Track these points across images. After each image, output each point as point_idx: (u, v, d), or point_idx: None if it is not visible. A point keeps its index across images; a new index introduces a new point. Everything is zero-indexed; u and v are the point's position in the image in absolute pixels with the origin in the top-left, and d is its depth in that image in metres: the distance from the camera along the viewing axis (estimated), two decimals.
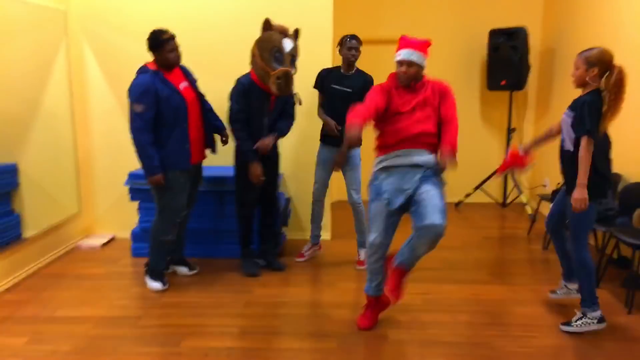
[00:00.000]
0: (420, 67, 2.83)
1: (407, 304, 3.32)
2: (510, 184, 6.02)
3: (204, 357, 2.68)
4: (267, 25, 3.49)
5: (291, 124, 3.82)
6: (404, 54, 2.80)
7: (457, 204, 6.09)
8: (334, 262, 4.11)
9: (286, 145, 4.41)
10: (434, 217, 2.58)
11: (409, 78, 2.81)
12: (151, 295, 3.45)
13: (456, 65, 6.02)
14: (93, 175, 4.63)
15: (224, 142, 3.74)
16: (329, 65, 4.13)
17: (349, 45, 3.78)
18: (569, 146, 2.92)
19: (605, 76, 2.78)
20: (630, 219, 3.76)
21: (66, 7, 4.27)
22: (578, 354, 2.75)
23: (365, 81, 3.81)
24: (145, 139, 3.22)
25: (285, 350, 2.75)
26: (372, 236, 2.88)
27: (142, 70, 3.32)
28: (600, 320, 2.95)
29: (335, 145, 3.85)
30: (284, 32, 3.50)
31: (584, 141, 2.76)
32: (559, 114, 5.25)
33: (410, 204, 2.75)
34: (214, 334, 2.93)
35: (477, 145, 6.14)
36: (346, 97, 3.71)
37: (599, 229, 3.72)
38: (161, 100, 3.22)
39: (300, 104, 3.82)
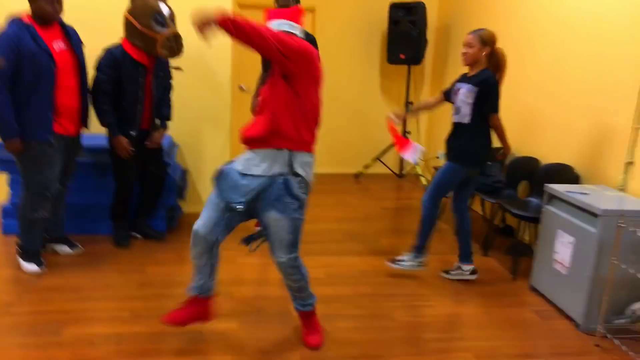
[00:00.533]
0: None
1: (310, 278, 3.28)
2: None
3: (90, 345, 2.43)
4: None
5: (169, 100, 3.66)
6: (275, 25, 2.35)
7: (357, 176, 6.17)
8: (232, 237, 3.95)
9: (184, 116, 4.12)
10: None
11: None
12: (25, 278, 3.07)
13: (357, 38, 6.01)
14: None
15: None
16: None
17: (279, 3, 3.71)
18: (465, 118, 3.11)
19: (494, 56, 3.06)
20: (516, 191, 4.02)
21: None
22: (470, 320, 2.89)
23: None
24: (2, 98, 2.80)
25: (183, 334, 2.58)
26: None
27: (12, 21, 2.86)
28: (473, 272, 3.34)
29: None
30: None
31: (495, 118, 3.07)
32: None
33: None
34: (101, 320, 2.66)
35: (376, 118, 6.22)
36: None
37: (487, 200, 3.93)
38: (23, 57, 2.79)
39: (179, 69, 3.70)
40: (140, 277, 3.17)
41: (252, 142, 2.29)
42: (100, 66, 3.28)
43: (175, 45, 3.28)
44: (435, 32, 6.05)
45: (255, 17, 5.68)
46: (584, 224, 2.85)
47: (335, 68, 5.93)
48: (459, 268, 3.37)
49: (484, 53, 3.02)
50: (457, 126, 3.20)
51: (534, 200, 3.68)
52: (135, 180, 3.59)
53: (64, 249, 3.44)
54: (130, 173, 3.51)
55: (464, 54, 3.07)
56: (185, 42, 3.42)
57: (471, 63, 3.08)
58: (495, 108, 3.06)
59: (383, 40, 6.03)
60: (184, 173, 4.23)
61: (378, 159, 6.07)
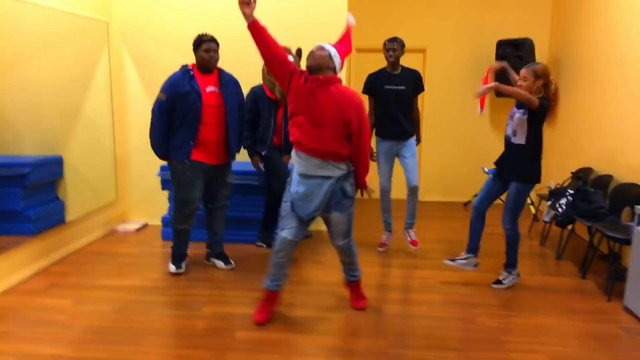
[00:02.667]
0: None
1: (404, 285, 3.72)
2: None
3: (222, 319, 3.12)
4: None
5: None
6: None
7: (466, 204, 6.42)
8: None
9: None
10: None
11: None
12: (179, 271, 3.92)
13: (467, 74, 6.37)
14: (129, 168, 5.16)
15: None
16: (345, 76, 4.62)
17: (387, 47, 4.23)
18: (521, 140, 3.46)
19: (547, 87, 3.40)
20: (619, 217, 4.05)
21: (107, 18, 4.82)
22: (552, 330, 3.08)
23: (414, 77, 4.28)
24: (156, 122, 3.61)
25: (293, 318, 3.16)
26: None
27: (181, 67, 3.70)
28: (518, 275, 3.67)
29: (394, 139, 4.29)
30: (286, 50, 4.02)
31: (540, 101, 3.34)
32: (565, 120, 5.61)
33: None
34: (232, 303, 3.37)
35: (485, 149, 6.45)
36: (399, 95, 4.21)
37: (584, 224, 4.02)
38: (178, 95, 3.53)
39: None
40: (262, 275, 3.85)
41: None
42: (246, 101, 4.11)
43: (281, 91, 4.07)
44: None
45: (371, 61, 6.39)
46: None
47: (446, 103, 6.36)
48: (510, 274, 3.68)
49: (538, 85, 3.36)
50: (513, 147, 3.50)
51: (633, 224, 3.71)
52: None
53: (220, 264, 4.02)
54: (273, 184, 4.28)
55: (519, 86, 3.42)
56: None
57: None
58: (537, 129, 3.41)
59: (492, 76, 6.31)
60: None
61: None
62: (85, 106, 4.51)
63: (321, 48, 2.90)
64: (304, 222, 2.99)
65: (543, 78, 3.37)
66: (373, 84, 4.32)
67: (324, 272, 3.97)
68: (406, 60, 5.21)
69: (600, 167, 4.72)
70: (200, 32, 3.69)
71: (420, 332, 3.01)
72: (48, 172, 4.06)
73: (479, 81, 6.39)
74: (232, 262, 4.04)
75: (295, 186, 2.96)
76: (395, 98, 4.23)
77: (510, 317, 3.26)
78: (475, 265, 3.86)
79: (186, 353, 2.73)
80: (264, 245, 4.47)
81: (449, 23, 6.31)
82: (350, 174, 3.02)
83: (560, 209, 4.27)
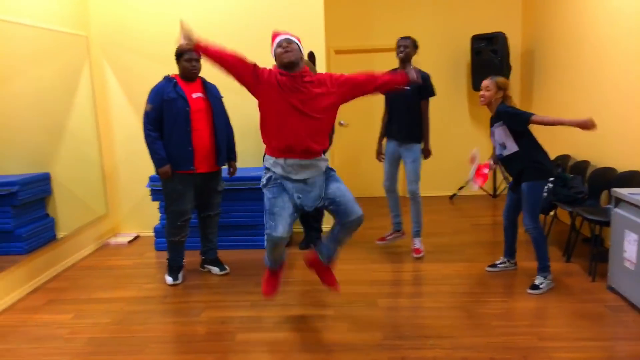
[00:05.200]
0: None
1: (398, 279, 3.82)
2: (500, 177, 6.49)
3: (221, 324, 3.19)
4: None
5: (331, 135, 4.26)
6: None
7: (451, 197, 6.56)
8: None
9: None
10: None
11: None
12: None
13: (444, 69, 6.52)
14: (118, 181, 5.19)
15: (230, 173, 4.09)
16: None
17: (398, 44, 4.23)
18: (512, 148, 3.54)
19: (506, 99, 3.57)
20: (598, 201, 4.21)
21: (87, 33, 4.85)
22: (540, 312, 3.21)
23: (422, 78, 4.13)
24: (150, 134, 3.62)
25: (290, 317, 3.25)
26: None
27: (164, 77, 3.75)
28: (552, 281, 3.62)
29: (397, 140, 4.29)
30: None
31: (535, 119, 3.39)
32: (541, 110, 5.78)
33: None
34: (229, 307, 3.44)
35: (466, 142, 6.61)
36: (403, 95, 4.13)
37: (565, 209, 4.17)
38: (165, 102, 3.60)
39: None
40: (258, 279, 3.93)
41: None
42: None
43: None
44: (519, 57, 6.36)
45: (348, 62, 6.49)
46: None
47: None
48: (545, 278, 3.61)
49: (499, 96, 3.55)
50: (511, 158, 3.58)
51: (611, 207, 3.86)
52: None
53: (215, 269, 4.08)
54: None
55: (482, 96, 3.57)
56: None
57: (486, 103, 3.59)
58: (525, 118, 3.42)
59: (468, 69, 6.48)
60: None
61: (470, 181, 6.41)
62: (70, 121, 4.54)
63: (290, 41, 2.86)
64: (293, 218, 2.98)
65: (504, 90, 3.55)
66: None
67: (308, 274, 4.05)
68: (383, 59, 5.33)
69: (578, 154, 4.89)
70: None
71: (415, 323, 3.12)
72: (37, 190, 4.08)
73: (458, 76, 6.56)
74: (226, 267, 4.10)
75: (287, 184, 2.92)
76: (400, 99, 4.20)
77: (500, 302, 3.38)
78: (514, 265, 3.96)
79: (189, 358, 2.79)
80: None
81: (424, 20, 6.45)
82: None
83: (544, 191, 4.40)
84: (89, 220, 4.78)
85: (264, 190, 2.98)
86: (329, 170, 3.03)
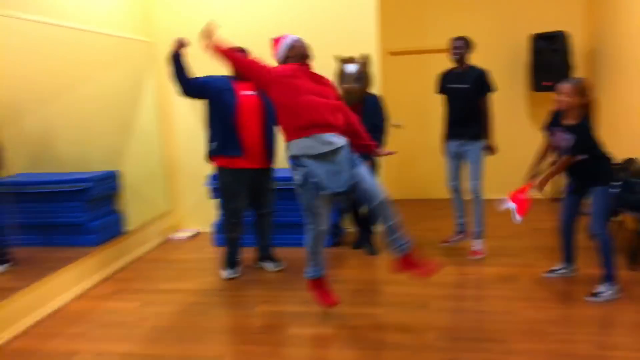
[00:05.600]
0: None
1: (452, 282, 3.81)
2: (562, 180, 6.27)
3: (275, 317, 3.31)
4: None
5: (380, 136, 4.31)
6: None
7: None
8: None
9: None
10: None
11: None
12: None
13: (500, 69, 6.36)
14: (180, 179, 5.45)
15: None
16: (378, 80, 4.73)
17: (452, 45, 4.26)
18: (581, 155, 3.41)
19: (588, 106, 3.33)
20: None
21: (152, 39, 5.12)
22: (599, 320, 3.11)
23: (478, 75, 4.19)
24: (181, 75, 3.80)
25: (341, 315, 3.32)
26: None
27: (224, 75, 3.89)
28: (619, 290, 3.40)
29: (459, 139, 4.31)
30: (349, 60, 4.29)
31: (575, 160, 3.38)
32: (607, 111, 5.57)
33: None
34: (283, 302, 3.56)
35: (525, 142, 6.42)
36: (462, 93, 4.20)
37: (631, 215, 4.00)
38: (214, 89, 3.75)
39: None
40: None
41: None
42: None
43: (344, 96, 4.07)
44: (583, 57, 6.13)
45: (403, 64, 6.48)
46: None
47: None
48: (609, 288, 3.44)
49: (575, 102, 3.28)
50: (578, 163, 3.44)
51: None
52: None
53: (269, 266, 4.19)
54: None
55: (560, 101, 3.34)
56: None
57: (565, 110, 3.36)
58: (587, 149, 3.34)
59: (526, 69, 6.31)
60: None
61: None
62: (137, 123, 4.83)
63: (300, 39, 3.25)
64: (330, 209, 3.17)
65: (580, 96, 3.30)
66: (441, 82, 4.37)
67: (370, 271, 4.11)
68: (438, 60, 5.29)
69: None
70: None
71: (467, 326, 3.10)
72: (106, 186, 4.37)
73: (515, 76, 6.40)
74: (281, 263, 4.22)
75: (317, 170, 3.01)
76: (459, 96, 4.20)
77: (556, 309, 3.30)
78: (573, 271, 3.82)
79: (246, 348, 2.93)
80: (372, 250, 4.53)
81: (480, 19, 6.33)
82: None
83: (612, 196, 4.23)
84: (153, 215, 5.06)
85: (301, 190, 3.10)
86: (353, 155, 3.12)
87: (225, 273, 4.06)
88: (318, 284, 3.34)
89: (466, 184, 4.36)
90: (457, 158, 4.35)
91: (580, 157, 3.40)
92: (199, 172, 5.20)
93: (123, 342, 3.05)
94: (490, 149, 4.30)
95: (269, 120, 3.89)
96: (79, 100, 4.12)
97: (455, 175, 4.39)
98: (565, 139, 3.44)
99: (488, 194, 6.49)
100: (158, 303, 3.62)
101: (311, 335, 3.06)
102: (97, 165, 4.36)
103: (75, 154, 4.36)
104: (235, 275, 4.06)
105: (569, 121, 3.38)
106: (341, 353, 2.84)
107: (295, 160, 3.10)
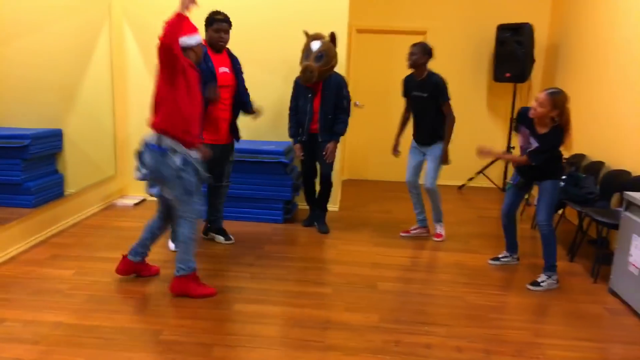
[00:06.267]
0: None
1: (400, 264, 3.82)
2: (510, 170, 6.41)
3: (220, 292, 3.21)
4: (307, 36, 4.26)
5: (343, 120, 4.32)
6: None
7: (460, 187, 6.51)
8: (339, 228, 4.61)
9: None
10: None
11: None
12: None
13: (465, 57, 6.41)
14: (128, 143, 5.20)
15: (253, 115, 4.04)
16: (344, 57, 4.63)
17: (409, 50, 4.12)
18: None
19: (559, 115, 3.29)
20: (609, 203, 4.15)
21: None
22: (537, 309, 3.19)
23: (434, 84, 4.06)
24: None
25: (288, 292, 3.27)
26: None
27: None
28: (557, 281, 3.54)
29: (421, 142, 4.29)
30: (316, 37, 4.17)
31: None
32: None
33: None
34: (229, 277, 3.46)
35: (481, 132, 6.53)
36: (423, 102, 4.15)
37: (575, 208, 4.11)
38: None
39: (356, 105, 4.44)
40: (259, 251, 3.95)
41: None
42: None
43: (302, 73, 4.09)
44: (544, 51, 6.23)
45: (371, 42, 6.40)
46: None
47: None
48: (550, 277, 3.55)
49: (553, 114, 3.28)
50: (535, 166, 3.49)
51: (621, 209, 3.81)
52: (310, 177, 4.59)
53: (220, 238, 4.12)
54: (305, 170, 4.56)
55: (534, 109, 3.31)
56: None
57: (538, 118, 3.36)
58: (543, 155, 3.37)
59: (490, 59, 6.36)
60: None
61: (482, 172, 6.36)
62: (86, 81, 4.53)
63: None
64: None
65: (560, 109, 3.27)
66: (404, 88, 4.30)
67: (320, 250, 4.07)
68: (405, 42, 5.23)
69: (593, 154, 4.81)
70: (214, 9, 3.68)
71: (412, 308, 3.12)
72: (48, 145, 4.10)
73: (479, 66, 6.43)
74: (232, 237, 4.13)
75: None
76: (419, 104, 4.18)
77: (499, 296, 3.36)
78: (516, 260, 3.95)
79: (185, 323, 2.82)
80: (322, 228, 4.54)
81: (451, 6, 6.31)
82: None
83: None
84: (97, 179, 4.82)
85: (185, 174, 3.01)
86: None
87: (172, 245, 3.92)
88: (195, 274, 3.20)
89: (423, 179, 4.33)
90: (417, 155, 4.37)
91: (534, 164, 3.44)
92: None
93: (55, 311, 2.88)
94: (442, 158, 4.26)
95: (239, 97, 3.83)
96: (24, 52, 3.80)
97: (413, 172, 4.40)
98: (530, 141, 3.48)
99: (447, 180, 6.62)
100: (95, 272, 3.44)
101: (255, 312, 2.99)
102: (37, 123, 4.07)
103: (16, 109, 4.05)
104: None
105: (539, 128, 3.40)
106: (285, 331, 2.79)
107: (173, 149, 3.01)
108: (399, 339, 2.75)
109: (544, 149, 3.38)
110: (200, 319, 2.87)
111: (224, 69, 3.73)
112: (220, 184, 4.02)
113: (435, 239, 4.44)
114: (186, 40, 3.01)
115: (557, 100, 3.25)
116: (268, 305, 3.07)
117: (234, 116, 3.89)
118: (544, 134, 3.37)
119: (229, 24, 3.67)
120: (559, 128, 3.33)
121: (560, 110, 3.27)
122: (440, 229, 4.48)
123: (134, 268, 3.34)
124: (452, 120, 4.18)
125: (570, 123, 3.33)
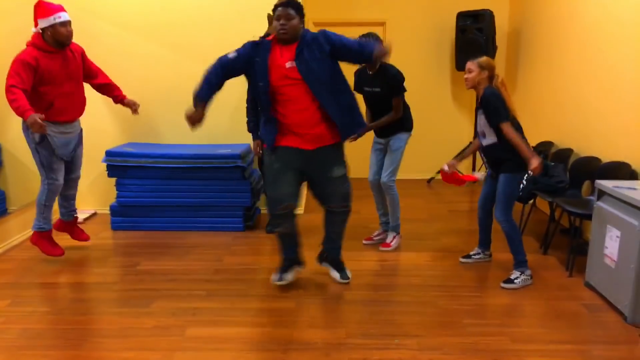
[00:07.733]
0: None
1: (366, 269, 3.60)
2: (479, 162, 6.28)
3: (172, 316, 2.93)
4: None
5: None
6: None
7: (429, 180, 6.35)
8: (303, 232, 4.35)
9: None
10: None
11: None
12: (128, 264, 3.69)
13: (426, 47, 6.23)
14: None
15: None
16: None
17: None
18: (492, 139, 3.32)
19: (493, 79, 3.28)
20: (580, 191, 4.02)
21: None
22: (514, 310, 3.02)
23: (389, 78, 3.74)
24: (210, 71, 3.03)
25: (247, 310, 3.01)
26: None
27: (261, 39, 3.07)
28: (531, 276, 3.41)
29: (379, 136, 4.01)
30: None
31: (505, 127, 3.20)
32: (525, 94, 5.56)
33: None
34: (183, 297, 3.18)
35: (447, 124, 6.38)
36: (376, 97, 3.84)
37: (545, 199, 3.97)
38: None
39: None
40: (217, 265, 3.68)
41: None
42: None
43: None
44: (506, 37, 6.10)
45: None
46: (628, 217, 2.87)
47: (407, 77, 6.19)
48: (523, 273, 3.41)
49: (483, 76, 3.26)
50: (489, 148, 3.38)
51: (593, 198, 3.68)
52: None
53: (335, 275, 3.42)
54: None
55: (466, 79, 3.30)
56: None
57: (472, 86, 3.32)
58: (499, 118, 3.21)
59: (452, 48, 6.19)
60: (260, 177, 4.73)
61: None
62: None
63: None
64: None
65: (488, 69, 3.27)
66: (356, 82, 3.93)
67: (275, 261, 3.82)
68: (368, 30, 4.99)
69: (561, 141, 4.69)
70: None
71: (381, 319, 2.90)
72: None
73: (441, 55, 6.26)
74: (348, 275, 3.42)
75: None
76: (373, 98, 3.88)
77: (473, 297, 3.18)
78: (490, 256, 3.79)
79: (130, 356, 2.53)
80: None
81: None
82: None
83: (521, 184, 4.20)
84: None
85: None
86: None
87: (274, 276, 3.33)
88: (47, 235, 3.63)
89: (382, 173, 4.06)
90: (378, 152, 4.10)
91: (490, 140, 3.32)
92: (97, 147, 4.64)
93: None
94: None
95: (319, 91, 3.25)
96: None
97: (375, 170, 4.13)
98: (479, 119, 3.36)
99: (406, 174, 6.44)
100: (33, 300, 3.11)
101: (210, 336, 2.72)
102: None
103: None
104: (284, 282, 3.30)
105: (479, 98, 3.34)
106: (241, 357, 2.53)
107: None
108: (366, 356, 2.53)
109: (487, 110, 3.25)
110: (147, 350, 2.58)
111: (290, 64, 2.93)
112: (327, 207, 3.30)
113: (382, 248, 4.01)
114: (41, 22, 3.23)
115: (482, 61, 3.27)
116: (224, 328, 2.81)
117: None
118: (481, 97, 3.28)
119: (296, 8, 2.91)
120: (493, 88, 3.26)
121: (490, 71, 3.27)
122: (390, 238, 4.07)
123: (63, 227, 3.88)
124: (397, 117, 3.85)
125: (505, 87, 3.30)
